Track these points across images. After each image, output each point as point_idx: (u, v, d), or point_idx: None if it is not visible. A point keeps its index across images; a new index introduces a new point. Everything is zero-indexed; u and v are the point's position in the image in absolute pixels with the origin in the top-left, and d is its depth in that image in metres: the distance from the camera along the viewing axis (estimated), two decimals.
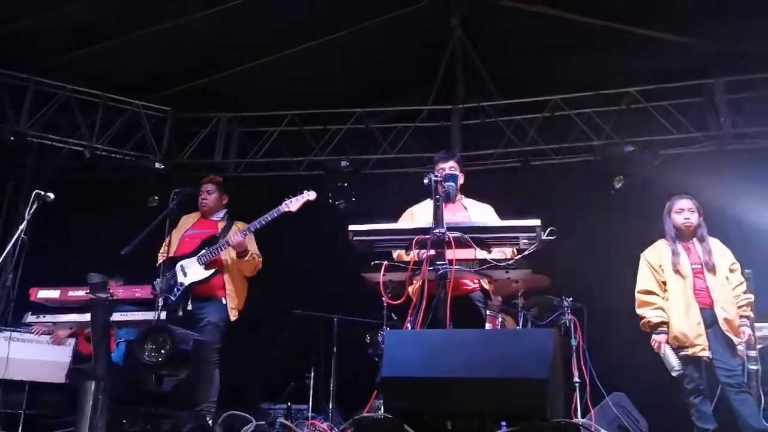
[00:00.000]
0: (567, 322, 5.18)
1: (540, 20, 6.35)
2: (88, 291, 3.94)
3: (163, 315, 4.09)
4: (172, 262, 4.69)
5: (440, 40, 6.88)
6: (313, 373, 5.77)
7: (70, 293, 4.06)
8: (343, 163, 6.88)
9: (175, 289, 4.59)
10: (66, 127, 6.87)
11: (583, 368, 4.95)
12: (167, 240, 4.72)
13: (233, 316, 4.70)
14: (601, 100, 6.75)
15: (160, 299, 3.98)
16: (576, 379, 4.97)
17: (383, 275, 3.26)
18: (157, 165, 6.91)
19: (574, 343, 5.05)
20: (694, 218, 4.37)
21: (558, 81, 6.84)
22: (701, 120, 6.57)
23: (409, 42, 6.87)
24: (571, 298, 5.25)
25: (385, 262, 3.28)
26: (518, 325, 5.27)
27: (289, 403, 5.79)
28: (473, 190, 4.35)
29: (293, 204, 4.64)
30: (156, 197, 6.83)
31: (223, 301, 4.68)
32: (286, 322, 5.91)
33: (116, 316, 4.20)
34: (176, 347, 3.71)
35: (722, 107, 6.40)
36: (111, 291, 4.00)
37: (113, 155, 7.02)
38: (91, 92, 6.82)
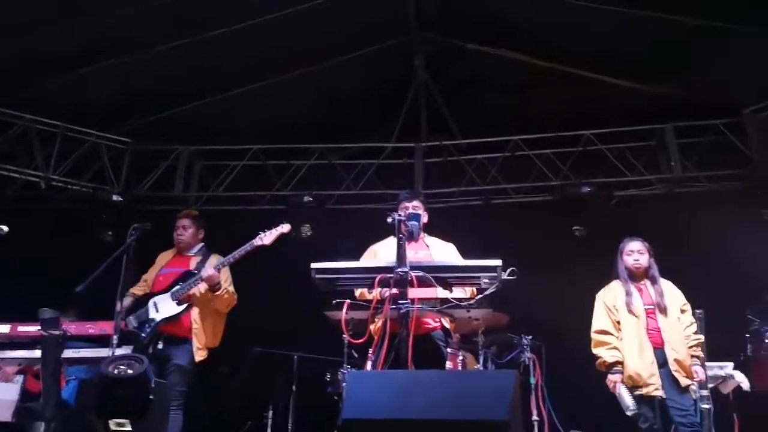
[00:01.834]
0: (526, 360, 5.22)
1: (502, 63, 6.55)
2: (39, 327, 3.83)
3: (119, 351, 4.01)
4: (146, 298, 4.65)
5: (404, 79, 7.02)
6: (271, 412, 5.67)
7: (21, 328, 3.95)
8: (306, 198, 6.88)
9: (147, 326, 4.52)
10: (22, 157, 6.72)
11: (542, 406, 4.99)
12: (149, 274, 4.77)
13: (199, 356, 4.59)
14: (560, 141, 6.94)
15: (115, 337, 3.87)
16: (534, 417, 5.01)
17: (345, 314, 3.27)
18: (114, 197, 6.79)
19: (532, 381, 5.10)
20: (643, 260, 4.52)
21: (518, 122, 7.02)
22: (653, 163, 6.80)
23: (374, 80, 6.99)
24: (530, 336, 5.31)
25: (348, 301, 3.29)
26: (478, 362, 5.29)
27: None
28: (435, 227, 4.41)
29: (267, 237, 4.59)
30: (110, 233, 6.69)
31: (191, 343, 4.59)
32: (244, 359, 5.81)
33: (68, 353, 4.08)
34: (145, 372, 3.64)
35: (673, 151, 6.65)
36: (63, 327, 3.89)
37: (70, 186, 6.87)
38: (50, 123, 6.70)
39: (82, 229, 6.83)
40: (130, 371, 3.64)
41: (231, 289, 4.74)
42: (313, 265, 3.31)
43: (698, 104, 6.50)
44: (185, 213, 5.08)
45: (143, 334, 4.46)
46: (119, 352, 3.91)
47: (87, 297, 4.09)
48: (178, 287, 4.61)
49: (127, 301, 4.57)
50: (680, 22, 5.65)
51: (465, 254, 4.04)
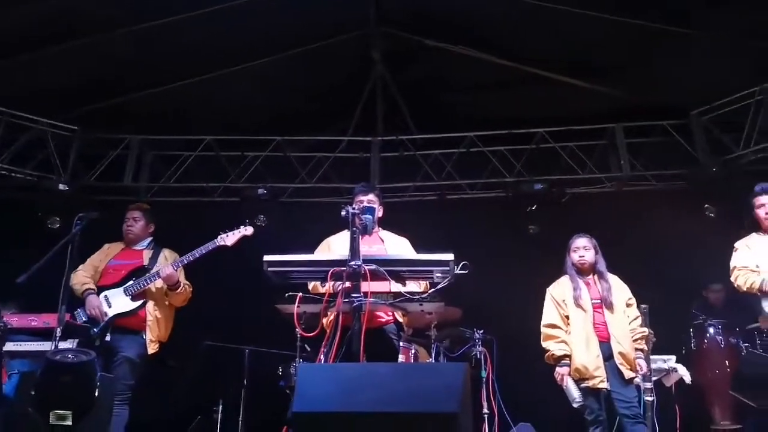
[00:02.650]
0: (478, 353, 5.30)
1: (460, 60, 6.59)
2: None
3: (63, 345, 3.91)
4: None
5: (362, 72, 6.99)
6: (221, 407, 5.59)
7: None
8: (260, 191, 6.80)
9: (98, 321, 4.40)
10: None
11: (492, 399, 5.07)
12: (93, 258, 4.62)
13: (152, 348, 4.54)
14: (514, 138, 7.03)
15: (59, 329, 3.76)
16: (485, 410, 5.08)
17: (297, 307, 3.24)
18: (61, 186, 6.57)
19: (483, 374, 5.18)
20: (589, 256, 4.63)
21: (474, 118, 7.08)
22: (604, 162, 6.96)
23: (331, 73, 6.94)
24: (482, 331, 5.38)
25: (300, 294, 3.26)
26: (431, 356, 5.34)
27: None
28: (390, 221, 4.42)
29: (229, 238, 4.57)
30: (58, 219, 6.50)
31: (143, 336, 4.51)
32: (193, 353, 5.71)
33: (9, 346, 3.96)
34: (92, 361, 3.59)
35: (622, 151, 6.81)
36: (4, 319, 3.76)
37: (14, 174, 6.62)
38: None
39: (26, 218, 6.61)
40: (76, 359, 3.57)
41: (187, 283, 4.72)
42: (266, 258, 3.27)
43: (647, 105, 6.69)
44: (136, 206, 5.00)
45: (95, 329, 4.36)
46: (63, 345, 3.81)
47: (29, 288, 3.95)
48: (131, 283, 4.53)
49: (77, 279, 4.44)
50: (632, 24, 5.79)
51: (419, 248, 4.06)
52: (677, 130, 6.69)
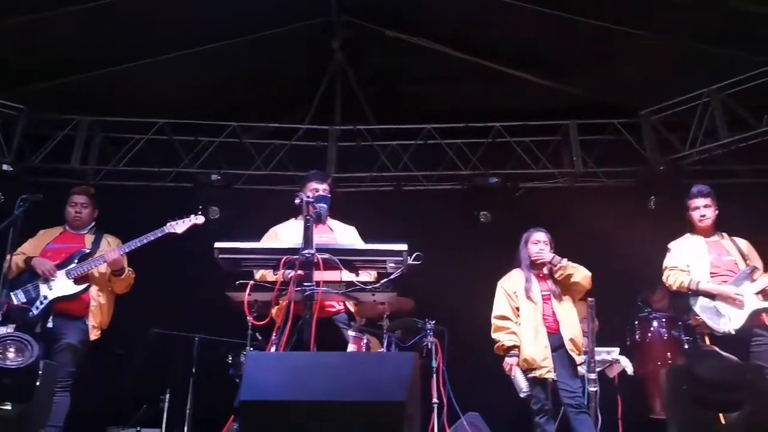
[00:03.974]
0: (429, 344, 5.34)
1: (420, 52, 6.60)
2: None
3: (5, 330, 3.78)
4: (31, 273, 4.35)
5: (321, 61, 6.93)
6: (168, 396, 5.49)
7: None
8: (214, 177, 6.67)
9: (38, 302, 4.26)
10: None
11: (442, 389, 5.13)
12: (25, 247, 4.42)
13: (94, 335, 4.44)
14: (471, 132, 7.08)
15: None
16: (435, 399, 5.14)
17: (248, 295, 3.20)
18: (4, 167, 6.34)
19: (434, 364, 5.23)
20: (547, 250, 4.72)
21: (432, 111, 7.11)
22: (557, 158, 7.09)
23: (291, 60, 6.85)
24: (434, 321, 5.42)
25: (251, 282, 3.23)
26: (383, 346, 5.36)
27: (139, 428, 5.47)
28: (345, 211, 4.40)
29: (179, 226, 4.50)
30: (1, 195, 6.26)
31: (86, 322, 4.40)
32: (141, 340, 5.59)
33: None
34: (37, 360, 3.52)
35: (575, 147, 6.95)
36: None
37: None
38: None
39: None
40: (19, 359, 3.47)
41: (130, 269, 4.63)
42: (217, 245, 3.22)
43: (600, 103, 6.82)
44: (83, 190, 4.83)
45: (34, 311, 4.22)
46: (1, 330, 3.69)
47: None
48: (74, 266, 4.40)
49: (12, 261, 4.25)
50: (587, 23, 5.90)
51: (374, 239, 4.04)
52: (627, 128, 6.85)
